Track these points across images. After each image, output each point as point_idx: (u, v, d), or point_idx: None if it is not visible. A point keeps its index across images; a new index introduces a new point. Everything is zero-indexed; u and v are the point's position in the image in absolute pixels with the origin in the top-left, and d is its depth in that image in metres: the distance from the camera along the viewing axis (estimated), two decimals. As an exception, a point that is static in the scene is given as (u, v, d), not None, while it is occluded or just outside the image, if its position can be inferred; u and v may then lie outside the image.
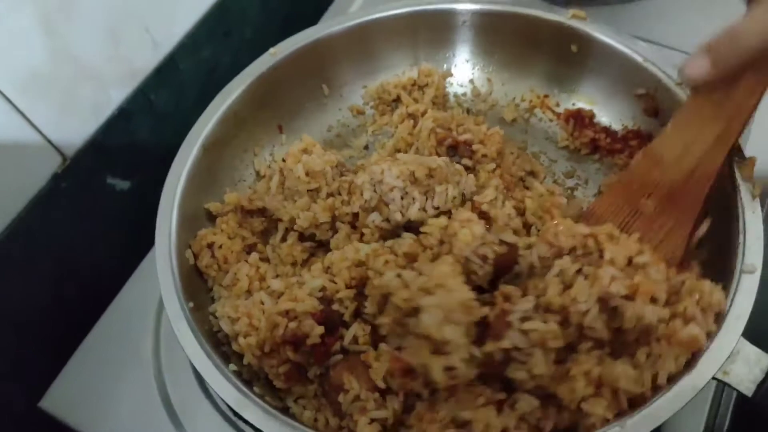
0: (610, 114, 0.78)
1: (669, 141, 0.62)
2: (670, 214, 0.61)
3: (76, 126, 0.73)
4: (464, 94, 0.83)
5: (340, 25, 0.78)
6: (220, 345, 0.63)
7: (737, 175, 0.61)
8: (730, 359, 0.53)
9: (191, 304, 0.62)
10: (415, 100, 0.80)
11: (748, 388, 0.53)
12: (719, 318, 0.54)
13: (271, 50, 0.76)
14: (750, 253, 0.57)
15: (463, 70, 0.83)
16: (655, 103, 0.72)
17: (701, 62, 0.55)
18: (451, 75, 0.83)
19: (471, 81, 0.83)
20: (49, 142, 0.70)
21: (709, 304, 0.54)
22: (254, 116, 0.76)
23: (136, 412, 0.70)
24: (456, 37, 0.81)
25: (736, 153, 0.62)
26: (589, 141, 0.77)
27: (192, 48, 0.83)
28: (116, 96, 0.76)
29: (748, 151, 0.62)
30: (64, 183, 0.72)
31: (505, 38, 0.80)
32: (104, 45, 0.73)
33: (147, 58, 0.78)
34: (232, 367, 0.59)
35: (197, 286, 0.68)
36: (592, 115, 0.78)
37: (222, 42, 0.88)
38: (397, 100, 0.80)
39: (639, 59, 0.71)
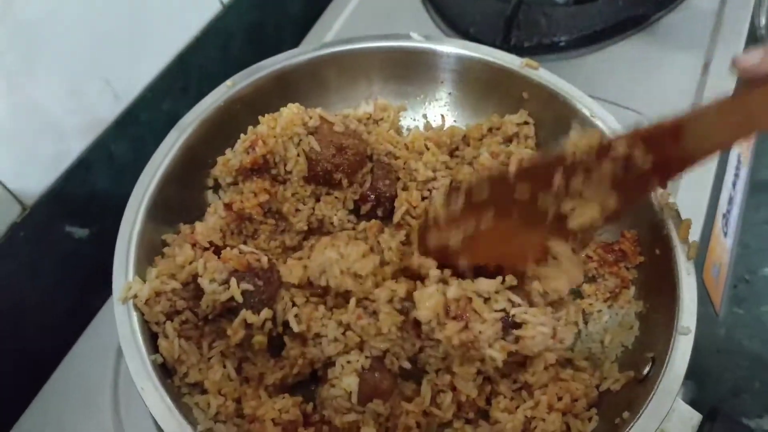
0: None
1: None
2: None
3: (36, 176, 0.74)
4: (416, 128, 0.86)
5: (297, 58, 0.80)
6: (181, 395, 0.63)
7: (674, 236, 0.65)
8: (666, 417, 0.55)
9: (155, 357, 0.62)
10: (368, 133, 0.81)
11: None
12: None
13: (228, 82, 0.78)
14: (685, 315, 0.60)
15: (418, 105, 0.87)
16: None
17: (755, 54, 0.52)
18: (405, 109, 0.86)
19: (424, 116, 0.87)
20: (9, 191, 0.71)
21: None
22: (211, 148, 0.76)
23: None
24: (411, 73, 0.85)
25: (673, 215, 0.66)
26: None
27: (152, 101, 0.86)
28: (76, 147, 0.78)
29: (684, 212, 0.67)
30: (23, 232, 0.73)
31: (459, 78, 0.84)
32: (66, 98, 0.75)
33: (108, 111, 0.81)
34: (201, 428, 0.60)
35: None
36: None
37: (181, 96, 0.91)
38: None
39: (587, 113, 0.75)
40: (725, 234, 0.91)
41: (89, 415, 0.72)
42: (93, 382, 0.74)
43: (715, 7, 1.00)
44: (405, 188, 0.75)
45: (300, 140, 0.71)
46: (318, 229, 0.76)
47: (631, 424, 0.55)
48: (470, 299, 0.61)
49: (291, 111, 0.72)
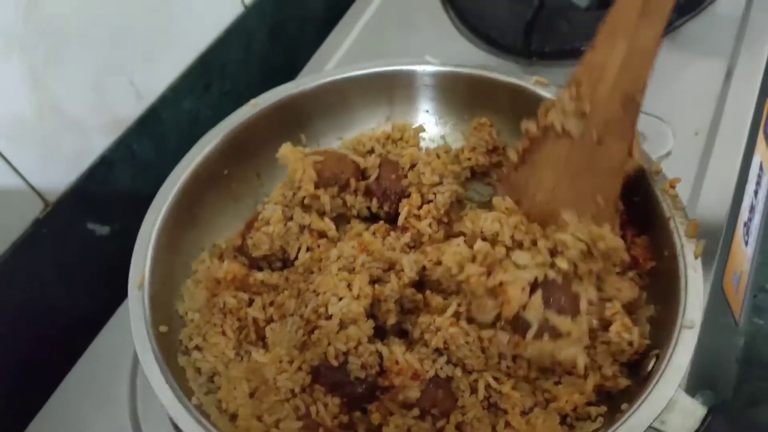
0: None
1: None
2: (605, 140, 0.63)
3: (58, 173, 0.75)
4: (437, 148, 0.85)
5: (318, 81, 0.81)
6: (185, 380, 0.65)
7: (680, 235, 0.64)
8: (668, 409, 0.55)
9: (163, 329, 0.65)
10: (388, 152, 0.83)
11: None
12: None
13: (252, 101, 0.79)
14: (690, 310, 0.59)
15: (435, 127, 0.87)
16: None
17: None
18: (424, 130, 0.86)
19: (443, 137, 0.87)
20: (32, 188, 0.72)
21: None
22: (233, 164, 0.78)
23: (111, 458, 0.70)
24: (428, 95, 0.85)
25: (679, 214, 0.65)
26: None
27: (174, 100, 0.86)
28: (99, 144, 0.79)
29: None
30: (45, 228, 0.74)
31: (474, 99, 0.83)
32: (89, 96, 0.76)
33: (130, 109, 0.81)
34: (194, 400, 0.61)
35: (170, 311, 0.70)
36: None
37: (202, 95, 0.91)
38: (372, 151, 0.83)
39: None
40: (746, 243, 0.90)
41: (107, 410, 0.73)
42: (111, 378, 0.75)
43: (739, 14, 0.99)
44: (408, 195, 0.76)
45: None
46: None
47: (629, 414, 0.55)
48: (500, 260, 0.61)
49: (289, 152, 0.74)
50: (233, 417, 0.63)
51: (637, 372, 0.62)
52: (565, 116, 0.63)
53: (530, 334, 0.59)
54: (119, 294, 0.78)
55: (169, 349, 0.65)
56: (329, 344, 0.60)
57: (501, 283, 0.60)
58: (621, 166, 0.63)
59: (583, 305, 0.61)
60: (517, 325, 0.60)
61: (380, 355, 0.62)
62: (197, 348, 0.68)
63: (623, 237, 0.72)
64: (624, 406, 0.57)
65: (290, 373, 0.63)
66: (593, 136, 0.63)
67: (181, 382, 0.62)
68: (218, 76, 0.93)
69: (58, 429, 0.73)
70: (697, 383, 0.71)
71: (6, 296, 0.72)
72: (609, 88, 0.61)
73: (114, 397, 0.73)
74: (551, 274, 0.61)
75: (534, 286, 0.60)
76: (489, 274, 0.61)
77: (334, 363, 0.60)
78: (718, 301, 0.80)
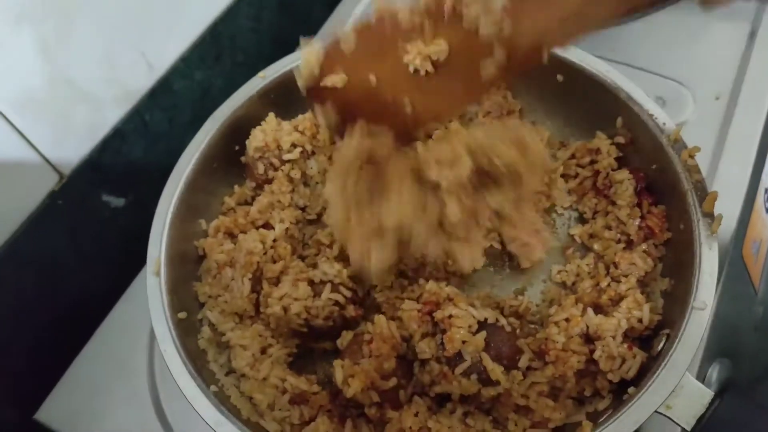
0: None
1: None
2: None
3: (72, 145, 0.75)
4: None
5: None
6: (206, 362, 0.66)
7: (698, 209, 0.62)
8: (674, 393, 0.54)
9: (181, 315, 0.65)
10: None
11: (688, 422, 0.54)
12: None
13: (261, 74, 0.78)
14: (702, 290, 0.58)
15: None
16: (630, 133, 0.74)
17: None
18: None
19: None
20: (47, 160, 0.72)
21: None
22: (243, 140, 0.78)
23: (130, 424, 0.72)
24: None
25: (698, 188, 0.64)
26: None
27: (185, 71, 0.86)
28: (112, 116, 0.79)
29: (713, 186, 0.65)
30: (61, 200, 0.74)
31: None
32: (100, 68, 0.75)
33: (142, 81, 0.81)
34: (213, 388, 0.62)
35: (188, 295, 0.70)
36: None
37: (214, 65, 0.91)
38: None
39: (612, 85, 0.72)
40: (767, 210, 0.88)
41: (126, 378, 0.74)
42: (129, 346, 0.77)
43: (764, -27, 0.96)
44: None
45: None
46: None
47: (635, 399, 0.54)
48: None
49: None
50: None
51: (649, 348, 0.61)
52: (485, 15, 0.51)
53: (459, 369, 0.59)
54: (135, 264, 0.80)
55: (188, 332, 0.65)
56: None
57: (450, 316, 0.60)
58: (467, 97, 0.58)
59: (523, 362, 0.60)
60: (451, 357, 0.60)
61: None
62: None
63: (639, 205, 0.71)
64: (631, 389, 0.57)
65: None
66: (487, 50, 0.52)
67: (202, 366, 0.64)
68: (229, 47, 0.92)
69: (78, 396, 0.74)
70: (714, 351, 0.70)
71: (24, 268, 0.73)
72: (537, 26, 0.52)
73: (132, 365, 0.75)
74: (502, 321, 0.62)
75: (480, 326, 0.61)
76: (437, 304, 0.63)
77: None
78: (737, 269, 0.79)
